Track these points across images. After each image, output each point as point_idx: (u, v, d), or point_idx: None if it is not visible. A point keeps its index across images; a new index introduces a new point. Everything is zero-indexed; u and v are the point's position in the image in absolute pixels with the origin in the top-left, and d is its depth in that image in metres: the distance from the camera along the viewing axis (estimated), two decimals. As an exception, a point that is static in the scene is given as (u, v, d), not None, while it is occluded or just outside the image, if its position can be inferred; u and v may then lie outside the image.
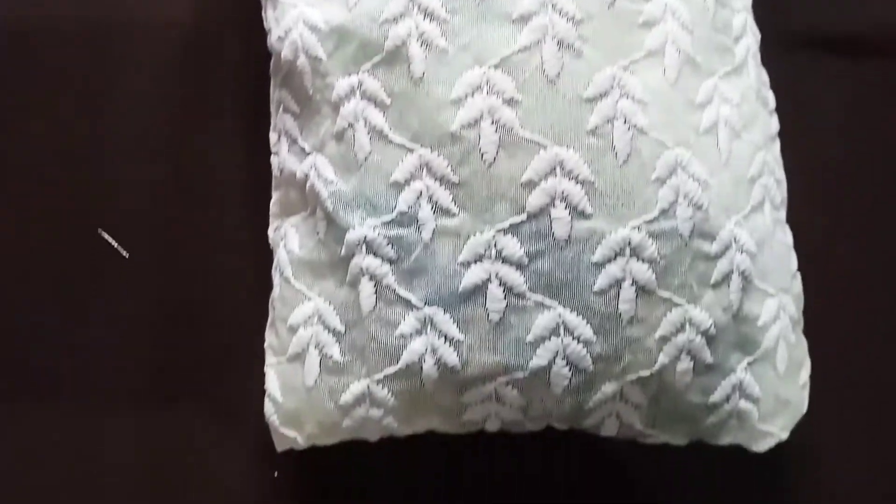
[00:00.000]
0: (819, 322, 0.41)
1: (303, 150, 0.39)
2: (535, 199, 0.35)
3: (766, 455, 0.40)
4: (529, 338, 0.36)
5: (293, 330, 0.39)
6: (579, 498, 0.44)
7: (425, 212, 0.36)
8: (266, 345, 0.40)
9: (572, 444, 0.43)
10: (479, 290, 0.35)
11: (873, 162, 0.47)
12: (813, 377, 0.41)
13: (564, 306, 0.35)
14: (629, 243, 0.35)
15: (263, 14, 0.41)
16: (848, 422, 0.45)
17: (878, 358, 0.46)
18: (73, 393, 0.44)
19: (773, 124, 0.41)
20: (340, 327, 0.37)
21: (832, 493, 0.44)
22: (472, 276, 0.35)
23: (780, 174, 0.41)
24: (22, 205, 0.46)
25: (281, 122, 0.40)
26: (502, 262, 0.35)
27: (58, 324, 0.45)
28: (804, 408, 0.40)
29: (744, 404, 0.38)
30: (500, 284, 0.35)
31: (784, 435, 0.40)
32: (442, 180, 0.36)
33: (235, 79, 0.47)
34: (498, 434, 0.40)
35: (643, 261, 0.35)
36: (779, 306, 0.39)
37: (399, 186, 0.36)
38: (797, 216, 0.42)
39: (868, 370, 0.45)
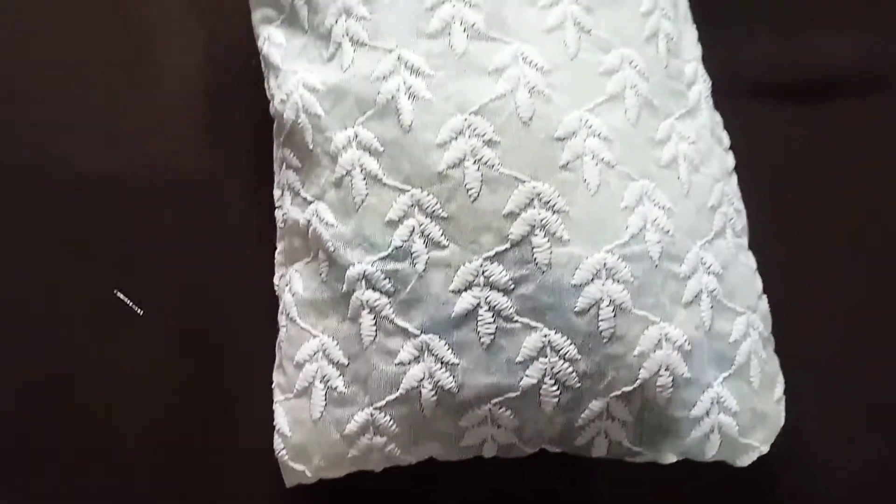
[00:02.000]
0: (787, 338, 0.43)
1: (305, 199, 0.41)
2: (517, 229, 0.37)
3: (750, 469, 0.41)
4: (519, 358, 0.37)
5: (299, 366, 0.40)
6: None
7: (418, 246, 0.38)
8: (274, 385, 0.42)
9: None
10: (471, 315, 0.37)
11: (824, 195, 0.50)
12: (789, 391, 0.42)
13: (549, 327, 0.37)
14: (604, 266, 0.37)
15: (266, 84, 0.44)
16: (828, 434, 0.46)
17: (846, 372, 0.47)
18: (93, 433, 0.46)
19: (729, 160, 0.44)
20: (344, 360, 0.39)
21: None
22: (464, 302, 0.37)
23: (739, 205, 0.43)
24: (44, 265, 0.48)
25: (284, 177, 0.43)
26: (490, 288, 0.37)
27: (76, 376, 0.46)
28: (781, 421, 0.41)
29: (723, 418, 0.39)
30: (489, 309, 0.37)
31: (765, 448, 0.41)
32: (432, 216, 0.38)
33: (239, 146, 0.49)
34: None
35: (618, 282, 0.37)
36: (748, 324, 0.41)
37: (394, 224, 0.38)
38: (757, 244, 0.44)
39: (841, 382, 0.47)
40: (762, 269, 0.43)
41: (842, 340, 0.48)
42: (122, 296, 0.47)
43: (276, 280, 0.44)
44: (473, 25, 0.39)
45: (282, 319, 0.42)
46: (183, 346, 0.47)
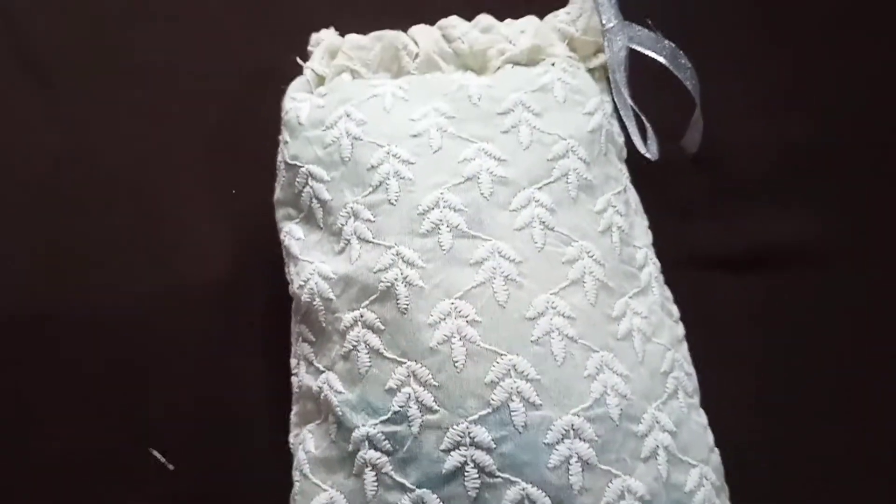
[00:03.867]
0: (738, 487, 0.47)
1: (318, 369, 0.46)
2: (497, 396, 0.42)
3: None
4: (501, 509, 0.41)
5: (311, 519, 0.44)
6: None
7: (413, 410, 0.42)
8: (288, 536, 0.46)
9: None
10: (459, 471, 0.41)
11: (765, 357, 0.54)
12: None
13: (527, 482, 0.41)
14: (572, 427, 0.42)
15: (286, 269, 0.50)
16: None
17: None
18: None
19: (679, 330, 0.49)
20: (350, 513, 0.43)
21: None
22: (453, 460, 0.41)
23: (690, 369, 0.48)
24: (80, 424, 0.53)
25: (300, 349, 0.49)
26: (475, 447, 0.41)
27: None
28: (737, 563, 0.45)
29: (684, 562, 0.43)
30: (474, 466, 0.41)
31: (723, 590, 0.44)
32: (425, 385, 0.42)
33: (261, 320, 0.55)
34: None
35: (584, 441, 0.41)
36: (701, 475, 0.44)
37: (392, 392, 0.43)
38: (709, 402, 0.48)
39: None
40: (714, 424, 0.48)
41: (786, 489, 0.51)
42: (156, 453, 0.52)
43: (290, 438, 0.48)
44: (457, 226, 0.45)
45: (296, 475, 0.46)
46: (204, 498, 0.51)
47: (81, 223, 0.59)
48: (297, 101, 0.51)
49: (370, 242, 0.46)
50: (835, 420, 0.53)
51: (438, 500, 0.42)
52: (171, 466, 0.51)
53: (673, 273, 0.52)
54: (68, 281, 0.57)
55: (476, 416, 0.42)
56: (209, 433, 0.53)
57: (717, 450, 0.47)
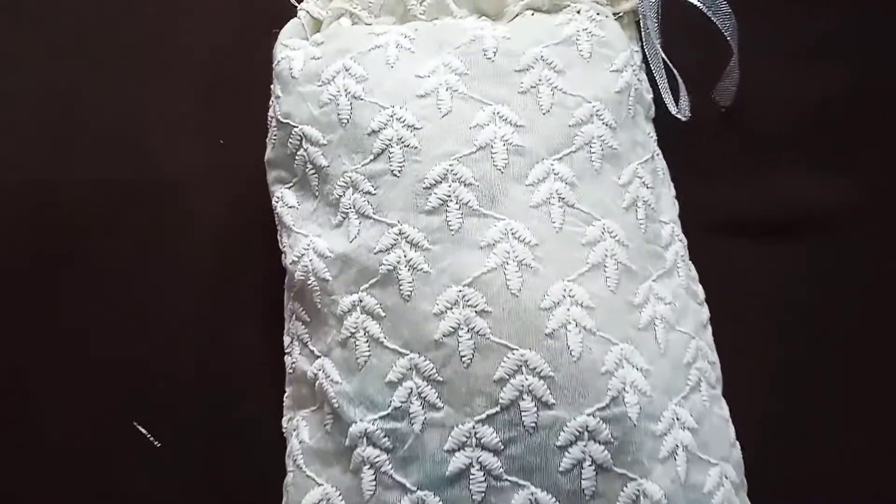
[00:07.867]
0: (758, 476, 0.44)
1: (312, 353, 0.43)
2: (506, 394, 0.38)
3: None
4: (507, 514, 0.38)
5: (305, 512, 0.41)
6: None
7: (415, 407, 0.39)
8: (281, 525, 0.43)
9: None
10: (464, 473, 0.38)
11: (798, 333, 0.50)
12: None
13: (536, 486, 0.38)
14: (587, 428, 0.38)
15: (279, 238, 0.45)
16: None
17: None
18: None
19: (704, 313, 0.45)
20: (346, 510, 0.40)
21: None
22: (457, 461, 0.38)
23: (714, 357, 0.44)
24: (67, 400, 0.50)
25: (294, 327, 0.44)
26: (482, 448, 0.38)
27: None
28: (754, 562, 0.42)
29: (701, 568, 0.40)
30: (480, 468, 0.38)
31: (738, 588, 0.42)
32: (428, 380, 0.39)
33: (255, 288, 0.51)
34: None
35: (599, 443, 0.38)
36: (721, 473, 0.41)
37: (393, 386, 0.39)
38: (734, 386, 0.45)
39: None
40: (733, 403, 0.44)
41: (811, 472, 0.48)
42: (140, 428, 0.48)
43: (284, 423, 0.45)
44: (468, 203, 0.40)
45: (289, 463, 0.43)
46: (197, 477, 0.48)
47: (72, 173, 0.55)
48: (290, 50, 0.45)
49: (370, 219, 0.41)
50: (859, 400, 0.50)
51: (441, 503, 0.38)
52: (157, 443, 0.48)
53: (694, 241, 0.47)
54: (61, 237, 0.53)
55: (483, 416, 0.38)
56: (198, 410, 0.49)
57: (738, 444, 0.44)
